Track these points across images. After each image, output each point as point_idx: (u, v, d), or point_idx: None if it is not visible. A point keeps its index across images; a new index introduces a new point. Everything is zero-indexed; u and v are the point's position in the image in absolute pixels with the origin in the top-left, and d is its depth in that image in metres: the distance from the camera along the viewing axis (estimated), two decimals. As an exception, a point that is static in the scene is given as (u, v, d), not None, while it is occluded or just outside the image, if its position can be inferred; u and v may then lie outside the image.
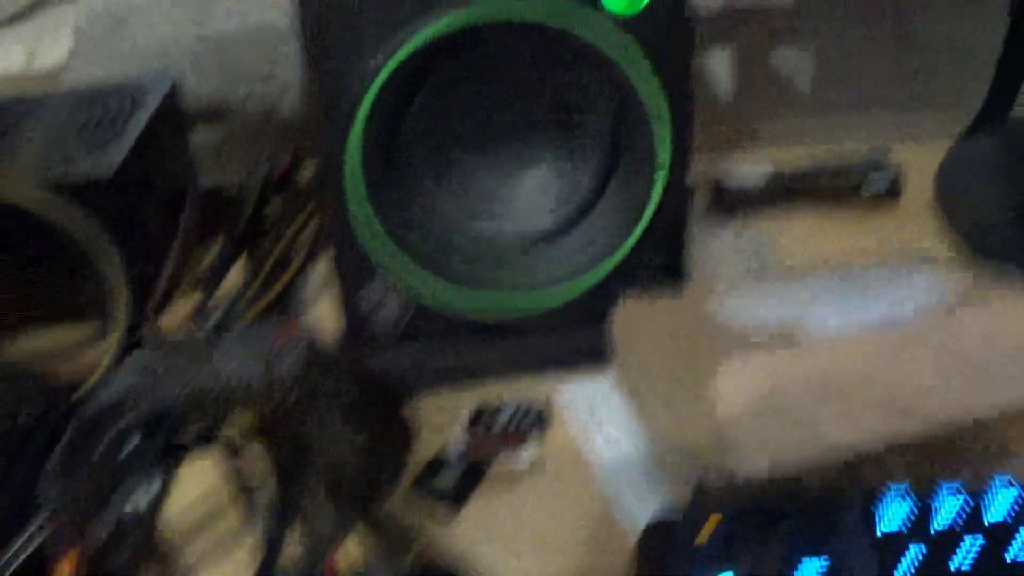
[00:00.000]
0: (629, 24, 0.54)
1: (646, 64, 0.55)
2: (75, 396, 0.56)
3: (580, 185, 0.60)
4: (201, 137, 0.92)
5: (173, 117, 0.79)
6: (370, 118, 0.55)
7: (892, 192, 0.79)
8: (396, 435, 0.46)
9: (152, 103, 0.76)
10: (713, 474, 0.46)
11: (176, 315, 0.68)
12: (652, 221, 0.60)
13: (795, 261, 0.73)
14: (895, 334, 0.48)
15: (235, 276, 0.73)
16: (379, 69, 0.54)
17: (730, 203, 0.79)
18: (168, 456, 0.46)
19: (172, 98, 0.79)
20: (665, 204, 0.59)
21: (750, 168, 0.84)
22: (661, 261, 0.62)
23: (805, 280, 0.57)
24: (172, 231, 0.75)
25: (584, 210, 0.61)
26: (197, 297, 0.68)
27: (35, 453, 0.48)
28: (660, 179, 0.58)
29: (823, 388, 0.45)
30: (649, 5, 0.54)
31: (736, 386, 0.44)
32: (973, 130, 0.87)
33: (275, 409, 0.42)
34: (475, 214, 0.60)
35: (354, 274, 0.60)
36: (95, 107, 0.76)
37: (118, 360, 0.61)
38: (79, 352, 0.66)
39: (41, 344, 0.67)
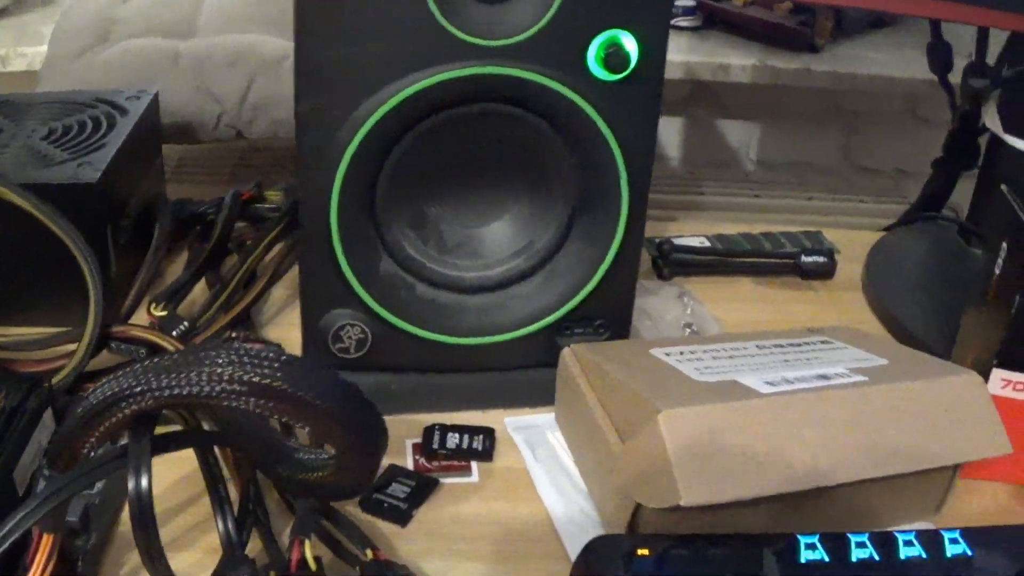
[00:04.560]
0: (599, 88, 0.58)
1: (608, 129, 0.59)
2: (52, 383, 0.59)
3: (543, 236, 0.64)
4: (173, 150, 0.95)
5: (153, 130, 0.82)
6: (351, 164, 0.58)
7: (826, 271, 0.84)
8: (368, 443, 0.49)
9: (134, 115, 0.79)
10: (645, 510, 0.50)
11: (144, 321, 0.71)
12: (605, 275, 0.64)
13: (729, 325, 0.78)
14: (814, 399, 0.52)
15: (200, 289, 0.76)
16: (364, 120, 0.57)
17: (673, 266, 0.83)
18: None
19: (153, 111, 0.82)
20: (618, 260, 0.64)
21: (693, 236, 0.89)
22: (609, 313, 0.66)
23: (744, 343, 0.62)
24: (145, 239, 0.78)
25: (545, 259, 0.65)
26: (164, 306, 0.70)
27: (14, 439, 0.51)
28: (617, 237, 0.62)
29: (752, 440, 0.50)
30: (628, 75, 0.58)
31: (671, 431, 0.49)
32: (904, 223, 0.94)
33: (244, 412, 0.45)
34: (435, 259, 0.64)
35: (319, 302, 0.63)
36: (80, 113, 0.79)
37: (90, 356, 0.64)
38: (54, 346, 0.68)
39: (18, 336, 0.69)
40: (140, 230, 0.78)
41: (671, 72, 1.04)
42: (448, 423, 0.64)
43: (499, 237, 0.65)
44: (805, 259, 0.84)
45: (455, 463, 0.62)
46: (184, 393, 0.45)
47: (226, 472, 0.54)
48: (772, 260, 0.85)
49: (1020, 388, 0.61)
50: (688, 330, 0.76)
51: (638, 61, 0.58)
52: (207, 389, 0.45)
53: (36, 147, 0.75)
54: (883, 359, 0.59)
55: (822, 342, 0.63)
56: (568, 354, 0.62)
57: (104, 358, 0.66)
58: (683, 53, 1.11)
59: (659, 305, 0.78)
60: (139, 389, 0.45)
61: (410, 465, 0.62)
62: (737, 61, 1.10)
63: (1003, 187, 0.60)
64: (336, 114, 0.57)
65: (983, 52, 0.84)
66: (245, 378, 0.45)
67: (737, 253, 0.85)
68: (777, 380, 0.54)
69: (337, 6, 0.55)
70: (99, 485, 0.53)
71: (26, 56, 1.02)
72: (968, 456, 0.55)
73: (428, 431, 0.64)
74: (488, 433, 0.64)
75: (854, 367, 0.57)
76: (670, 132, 1.18)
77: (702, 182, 1.17)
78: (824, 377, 0.55)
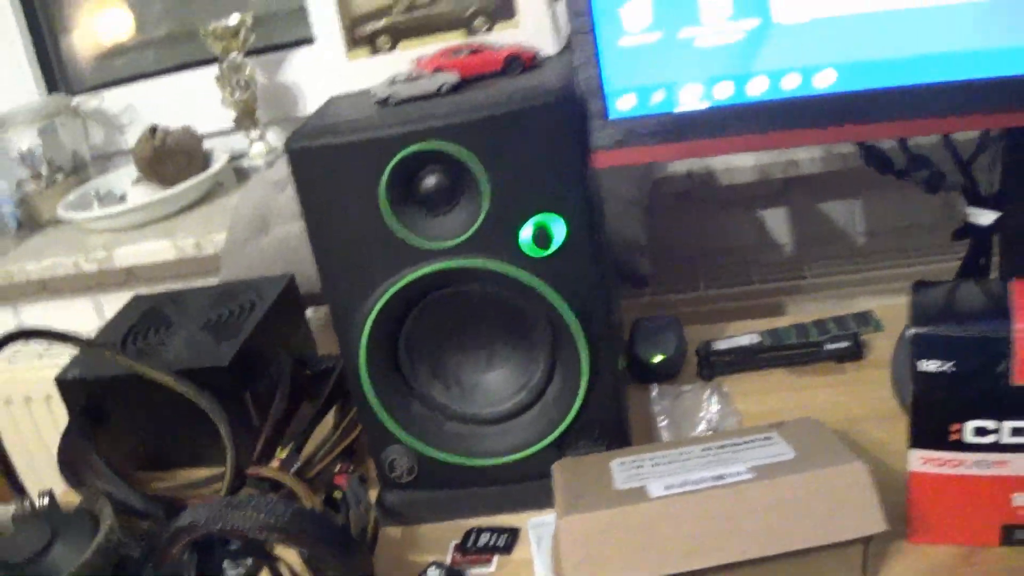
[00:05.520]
0: (537, 262, 0.75)
1: (557, 294, 0.76)
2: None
3: (533, 377, 0.81)
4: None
5: (287, 308, 1.06)
6: (372, 333, 0.78)
7: (852, 354, 0.95)
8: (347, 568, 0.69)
9: (268, 299, 1.03)
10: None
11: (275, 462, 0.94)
12: (585, 401, 0.80)
13: (753, 417, 0.91)
14: (696, 498, 0.66)
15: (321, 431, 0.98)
16: (376, 301, 0.77)
17: (712, 367, 0.97)
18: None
19: (288, 293, 1.06)
20: (593, 388, 0.80)
21: (746, 333, 1.02)
22: (603, 426, 0.82)
23: (696, 445, 0.76)
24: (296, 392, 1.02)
25: (539, 394, 0.81)
26: (287, 448, 0.93)
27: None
28: (584, 378, 0.78)
29: (633, 536, 0.65)
30: (559, 251, 0.75)
31: (567, 532, 0.65)
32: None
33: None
34: (457, 400, 0.82)
35: (376, 442, 0.83)
36: (228, 302, 1.05)
37: (231, 493, 0.88)
38: (205, 487, 0.92)
39: (179, 480, 0.94)
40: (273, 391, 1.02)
41: (744, 176, 1.18)
42: (485, 525, 0.82)
43: (502, 380, 0.83)
44: (829, 347, 0.95)
45: (479, 557, 0.80)
46: (224, 528, 0.67)
47: None
48: (801, 351, 0.96)
49: (937, 463, 0.71)
50: (708, 428, 0.90)
51: (567, 235, 0.75)
52: (238, 526, 0.66)
53: (194, 336, 1.00)
54: (794, 453, 0.72)
55: (764, 438, 0.76)
56: (556, 467, 0.79)
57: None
58: (753, 155, 1.22)
59: (686, 405, 0.92)
60: (192, 523, 0.67)
61: (449, 561, 0.80)
62: (805, 155, 1.20)
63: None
64: (351, 304, 0.78)
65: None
66: (262, 520, 0.66)
67: (767, 348, 0.97)
68: (677, 483, 0.69)
69: (329, 226, 0.75)
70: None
71: (214, 242, 1.30)
72: (841, 536, 0.67)
73: (467, 533, 0.82)
74: (512, 532, 0.81)
75: (757, 464, 0.70)
76: (776, 222, 1.29)
77: (805, 264, 1.28)
78: (720, 477, 0.69)
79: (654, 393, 0.95)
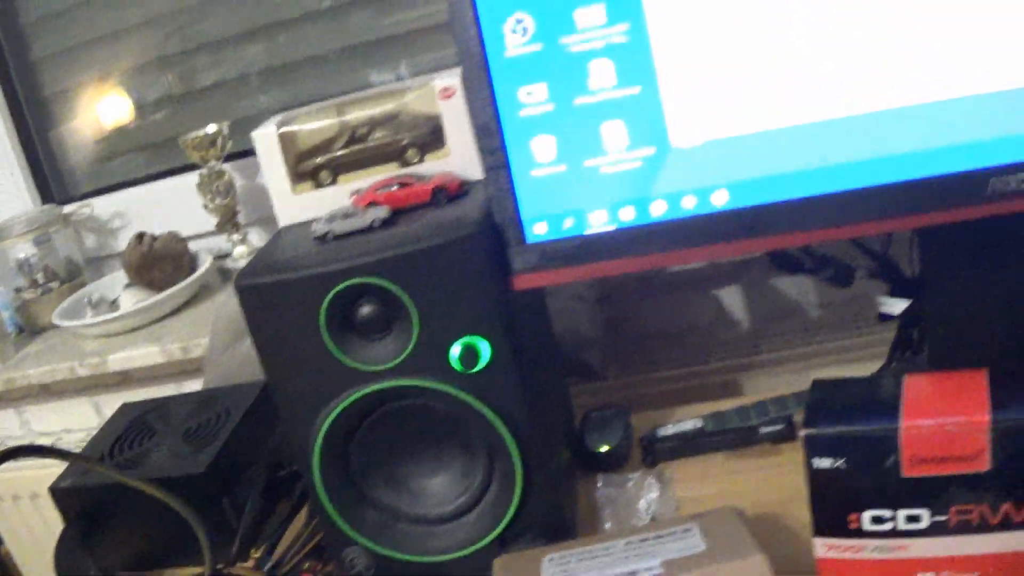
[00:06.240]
0: (466, 379, 0.82)
1: (486, 407, 0.82)
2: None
3: (474, 481, 0.88)
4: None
5: (261, 415, 1.13)
6: (324, 446, 0.85)
7: (784, 437, 1.01)
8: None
9: (243, 408, 1.10)
10: None
11: (251, 561, 1.00)
12: (521, 501, 0.86)
13: (691, 503, 0.97)
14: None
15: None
16: (325, 419, 0.84)
17: (655, 454, 1.03)
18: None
19: (262, 400, 1.13)
20: (528, 488, 0.86)
21: (691, 418, 1.08)
22: (543, 522, 0.88)
23: (620, 539, 0.82)
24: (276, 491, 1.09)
25: (480, 496, 0.88)
26: (261, 547, 1.00)
27: None
28: (518, 480, 0.85)
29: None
30: (487, 367, 0.82)
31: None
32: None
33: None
34: (407, 503, 0.89)
35: (335, 542, 0.90)
36: (206, 410, 1.12)
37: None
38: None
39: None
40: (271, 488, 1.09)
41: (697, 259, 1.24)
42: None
43: (447, 484, 0.89)
44: (764, 430, 1.01)
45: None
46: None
47: None
48: (738, 435, 1.02)
49: (840, 549, 0.77)
50: (647, 515, 0.96)
51: (492, 353, 0.82)
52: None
53: (174, 444, 1.08)
54: (704, 546, 0.78)
55: (684, 530, 0.81)
56: (496, 564, 0.85)
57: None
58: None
59: (629, 494, 0.98)
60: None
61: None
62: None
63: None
64: (302, 422, 0.85)
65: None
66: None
67: (707, 433, 1.03)
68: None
69: (279, 353, 0.83)
70: None
71: (200, 345, 1.37)
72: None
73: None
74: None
75: (669, 559, 0.76)
76: (732, 300, 1.36)
77: (761, 340, 1.34)
78: (633, 573, 0.75)
79: (600, 483, 1.01)
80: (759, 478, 0.98)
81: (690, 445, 1.03)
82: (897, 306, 0.93)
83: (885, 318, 0.98)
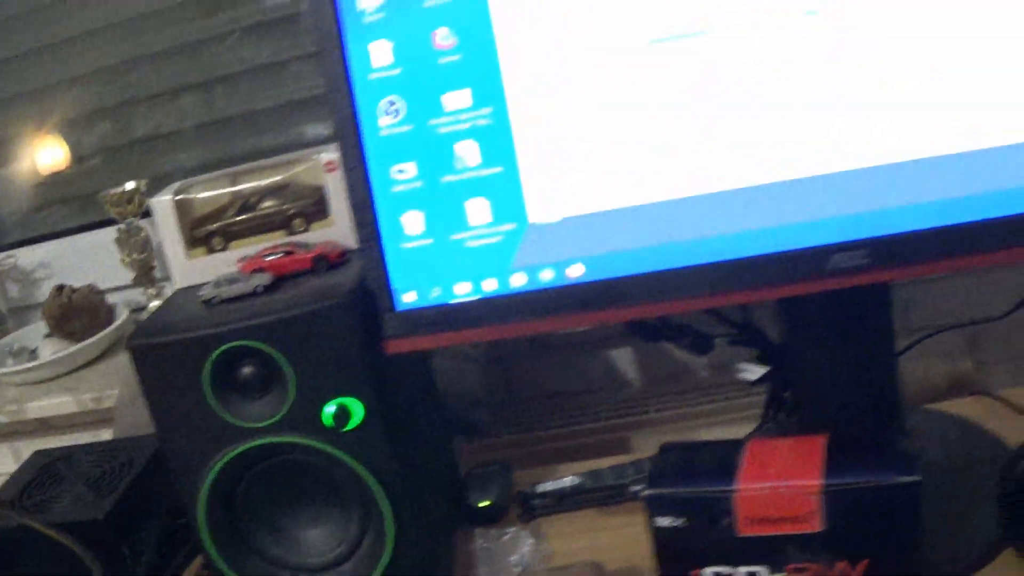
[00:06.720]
0: (340, 437, 0.88)
1: (358, 463, 0.88)
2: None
3: (351, 532, 0.93)
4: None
5: (158, 468, 1.18)
6: (208, 499, 0.90)
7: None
8: None
9: (144, 457, 1.15)
10: None
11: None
12: (394, 552, 0.92)
13: (562, 557, 1.02)
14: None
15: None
16: (208, 472, 0.90)
17: (531, 511, 1.09)
18: None
19: (161, 454, 1.17)
20: (401, 540, 0.91)
21: (572, 475, 1.14)
22: (418, 571, 0.94)
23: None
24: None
25: (356, 545, 0.93)
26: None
27: None
28: (390, 533, 0.90)
29: None
30: (360, 426, 0.88)
31: None
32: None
33: None
34: (289, 552, 0.94)
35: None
36: (110, 459, 1.16)
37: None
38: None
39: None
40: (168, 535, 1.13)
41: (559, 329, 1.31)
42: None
43: (326, 534, 0.94)
44: (632, 488, 1.07)
45: None
46: None
47: None
48: (609, 493, 1.08)
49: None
50: (519, 570, 1.01)
51: (364, 413, 0.87)
52: None
53: (79, 491, 1.12)
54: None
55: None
56: (368, 613, 0.90)
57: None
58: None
59: (505, 547, 1.04)
60: None
61: None
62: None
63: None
64: (188, 474, 0.90)
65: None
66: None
67: (583, 491, 1.09)
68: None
69: (167, 408, 0.88)
70: None
71: (113, 396, 1.42)
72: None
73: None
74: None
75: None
76: (623, 361, 1.42)
77: (650, 400, 1.41)
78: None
79: (479, 537, 1.06)
80: (627, 534, 1.04)
81: (566, 501, 1.09)
82: (754, 372, 1.00)
83: (749, 383, 1.05)
